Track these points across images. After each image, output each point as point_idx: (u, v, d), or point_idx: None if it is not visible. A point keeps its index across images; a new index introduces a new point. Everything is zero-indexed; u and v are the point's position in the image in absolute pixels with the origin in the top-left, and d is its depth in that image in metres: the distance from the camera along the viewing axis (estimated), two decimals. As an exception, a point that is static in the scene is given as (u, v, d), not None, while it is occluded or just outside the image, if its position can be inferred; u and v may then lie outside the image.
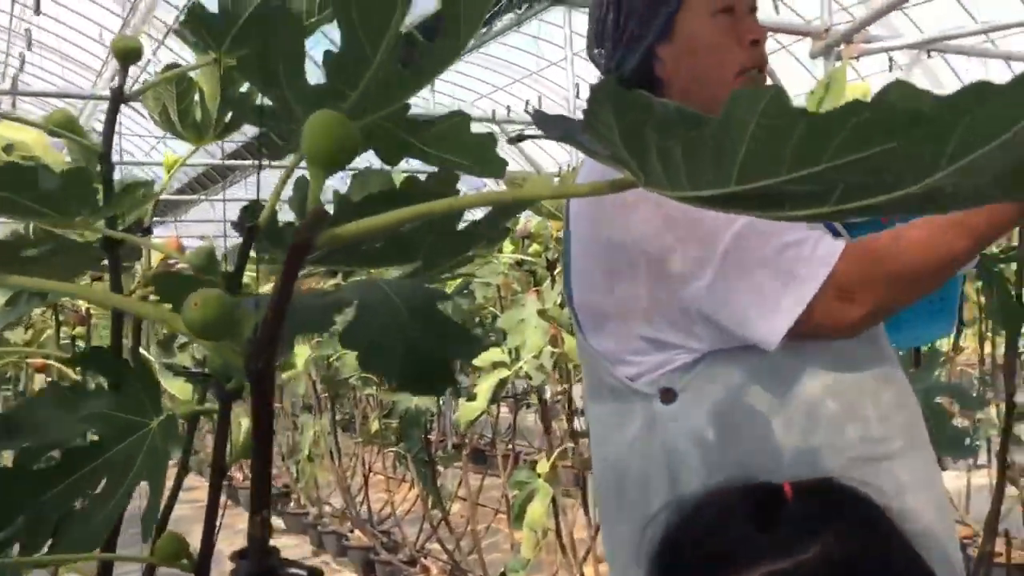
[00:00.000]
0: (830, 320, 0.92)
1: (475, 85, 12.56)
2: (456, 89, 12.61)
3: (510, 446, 4.35)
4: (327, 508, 4.94)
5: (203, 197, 15.07)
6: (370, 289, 0.59)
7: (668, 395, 0.99)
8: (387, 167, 0.72)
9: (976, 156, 0.42)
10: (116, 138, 0.73)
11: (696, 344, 0.98)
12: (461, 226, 0.67)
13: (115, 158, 0.72)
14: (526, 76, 10.37)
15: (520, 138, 1.22)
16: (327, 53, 0.54)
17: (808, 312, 0.91)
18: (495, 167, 0.70)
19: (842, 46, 3.39)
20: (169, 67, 0.86)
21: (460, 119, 0.68)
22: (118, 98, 0.74)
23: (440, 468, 3.75)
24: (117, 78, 0.75)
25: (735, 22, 1.05)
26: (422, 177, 0.64)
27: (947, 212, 0.52)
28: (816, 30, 3.31)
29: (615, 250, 1.01)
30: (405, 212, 0.47)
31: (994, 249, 2.91)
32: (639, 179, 0.44)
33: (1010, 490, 3.73)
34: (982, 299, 1.96)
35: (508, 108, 5.47)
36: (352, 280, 0.72)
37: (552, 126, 0.44)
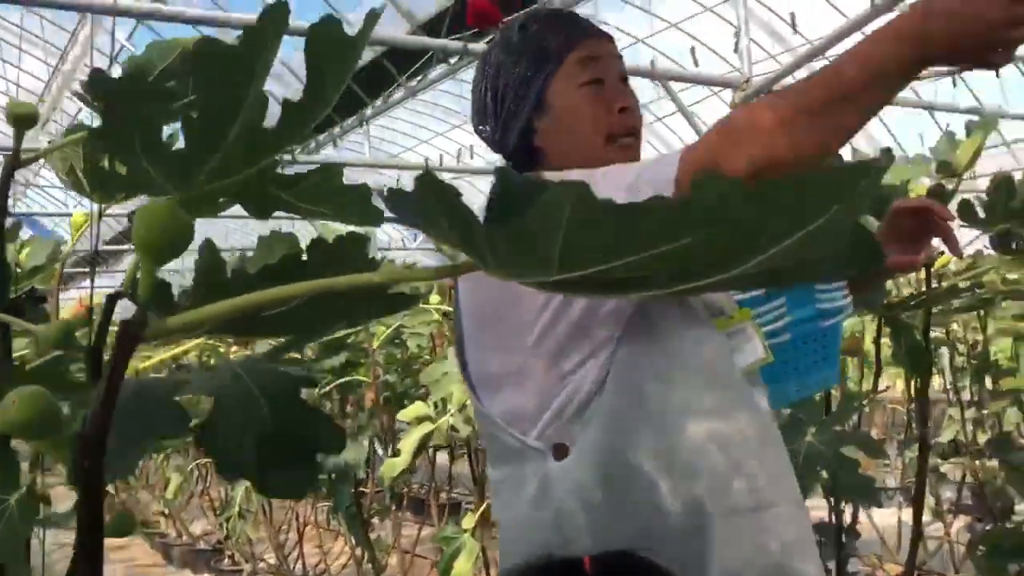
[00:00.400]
0: (723, 158, 0.87)
1: (414, 131, 12.64)
2: (395, 135, 12.68)
3: (450, 495, 4.30)
4: (261, 564, 4.81)
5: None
6: (226, 381, 0.57)
7: (560, 451, 1.00)
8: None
9: (793, 241, 0.43)
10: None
11: (583, 395, 0.99)
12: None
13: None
14: (465, 122, 10.48)
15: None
16: (185, 118, 0.53)
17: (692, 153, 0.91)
18: (371, 217, 0.71)
19: (762, 96, 3.50)
20: (73, 128, 0.85)
21: (332, 172, 0.68)
22: (13, 162, 0.73)
23: (376, 520, 3.68)
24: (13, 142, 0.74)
25: (603, 91, 1.11)
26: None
27: (791, 285, 0.54)
28: (736, 81, 3.42)
29: (498, 317, 1.03)
30: (252, 297, 0.46)
31: (904, 292, 2.99)
32: (479, 265, 0.44)
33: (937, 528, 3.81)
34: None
35: (441, 156, 5.50)
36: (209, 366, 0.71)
37: (402, 210, 0.45)
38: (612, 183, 0.94)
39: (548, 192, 0.37)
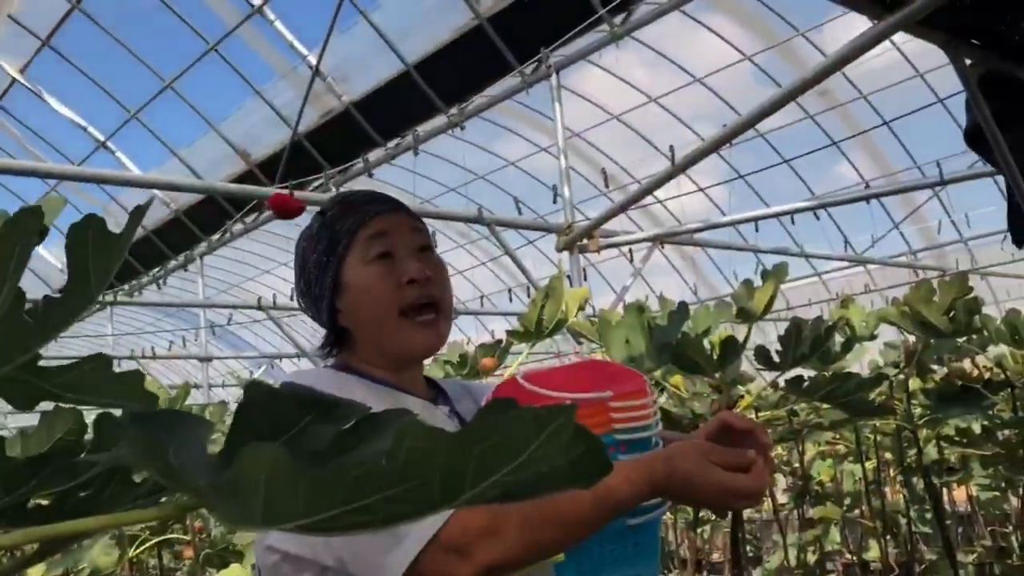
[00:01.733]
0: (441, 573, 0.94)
1: (243, 269, 12.52)
2: (223, 274, 12.51)
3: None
4: None
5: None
6: None
7: None
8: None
9: (506, 472, 0.46)
10: None
11: None
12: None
13: None
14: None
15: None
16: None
17: (417, 566, 0.93)
18: (144, 402, 0.70)
19: (584, 241, 3.70)
20: None
21: (97, 362, 0.67)
22: None
23: None
24: None
25: (392, 265, 1.13)
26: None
27: (523, 500, 0.57)
28: (559, 227, 3.61)
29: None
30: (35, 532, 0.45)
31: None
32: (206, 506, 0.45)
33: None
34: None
35: (274, 295, 5.49)
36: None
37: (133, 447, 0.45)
38: None
39: (248, 453, 0.39)
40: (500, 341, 2.23)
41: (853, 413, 2.27)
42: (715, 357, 1.89)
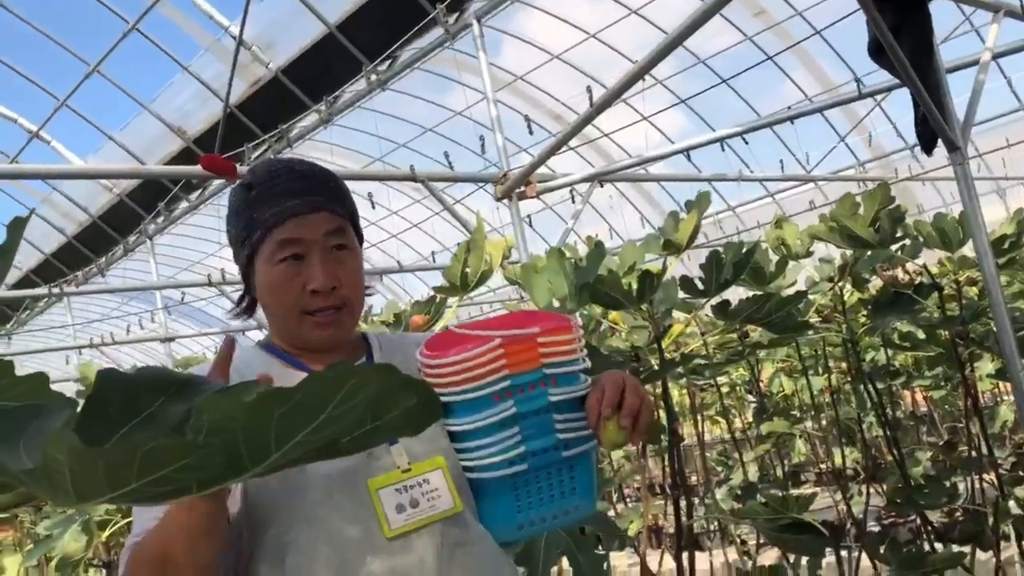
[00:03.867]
0: None
1: (199, 245, 12.49)
2: (180, 251, 12.46)
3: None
4: None
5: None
6: None
7: None
8: None
9: (309, 431, 0.51)
10: None
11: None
12: None
13: None
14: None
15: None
16: None
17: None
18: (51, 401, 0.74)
19: (522, 188, 3.73)
20: None
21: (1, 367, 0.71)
22: None
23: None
24: None
25: (300, 269, 1.14)
26: None
27: (351, 454, 0.62)
28: (495, 176, 3.63)
29: None
30: None
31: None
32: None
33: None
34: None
35: (223, 271, 5.48)
36: None
37: None
38: None
39: (50, 441, 0.43)
40: (434, 298, 2.27)
41: (777, 331, 2.35)
42: (634, 291, 1.95)
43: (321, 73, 5.97)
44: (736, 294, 2.72)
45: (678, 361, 2.24)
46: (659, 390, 2.20)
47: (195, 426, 0.47)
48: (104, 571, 3.25)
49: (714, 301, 2.32)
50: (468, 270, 1.96)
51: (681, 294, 2.35)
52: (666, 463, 2.90)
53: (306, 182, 1.18)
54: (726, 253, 2.28)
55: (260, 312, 1.22)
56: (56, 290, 5.64)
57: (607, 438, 1.09)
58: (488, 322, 1.17)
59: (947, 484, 2.18)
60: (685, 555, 2.11)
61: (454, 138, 10.76)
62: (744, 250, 2.25)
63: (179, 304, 8.39)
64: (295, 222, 1.14)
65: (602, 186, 4.14)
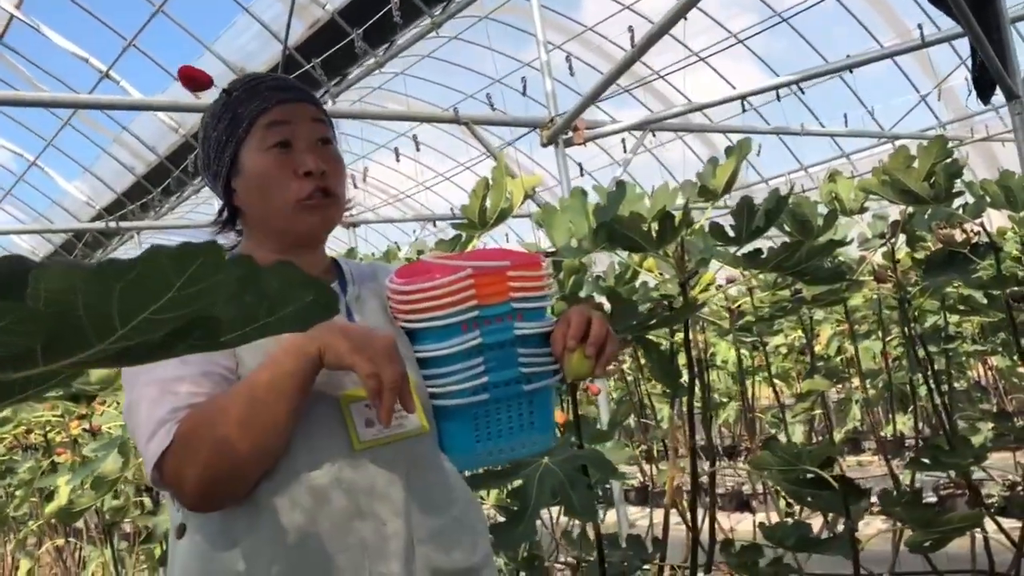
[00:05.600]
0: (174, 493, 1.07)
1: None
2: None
3: None
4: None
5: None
6: None
7: (180, 531, 1.11)
8: None
9: (155, 309, 0.50)
10: None
11: None
12: None
13: None
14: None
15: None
16: None
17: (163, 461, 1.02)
18: None
19: (569, 133, 3.66)
20: None
21: None
22: None
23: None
24: None
25: (290, 155, 1.15)
26: None
27: (144, 363, 0.60)
28: (541, 120, 3.57)
29: None
30: None
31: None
32: None
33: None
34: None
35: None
36: None
37: None
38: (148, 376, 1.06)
39: None
40: (459, 236, 2.26)
41: (811, 282, 2.27)
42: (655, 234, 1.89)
43: (378, 16, 5.93)
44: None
45: (701, 304, 2.18)
46: (680, 336, 2.15)
47: (32, 293, 0.46)
48: (148, 493, 3.36)
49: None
50: (487, 206, 1.94)
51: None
52: (683, 423, 2.84)
53: (288, 82, 1.22)
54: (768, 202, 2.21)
55: None
56: (128, 224, 5.81)
57: (571, 368, 1.11)
58: (461, 255, 1.19)
59: (976, 446, 2.09)
60: (703, 514, 2.08)
61: (519, 89, 10.65)
62: (777, 198, 2.17)
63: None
64: (282, 108, 1.16)
65: (654, 135, 4.04)
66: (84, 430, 4.00)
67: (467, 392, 1.13)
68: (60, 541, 4.72)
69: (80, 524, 4.31)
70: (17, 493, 3.96)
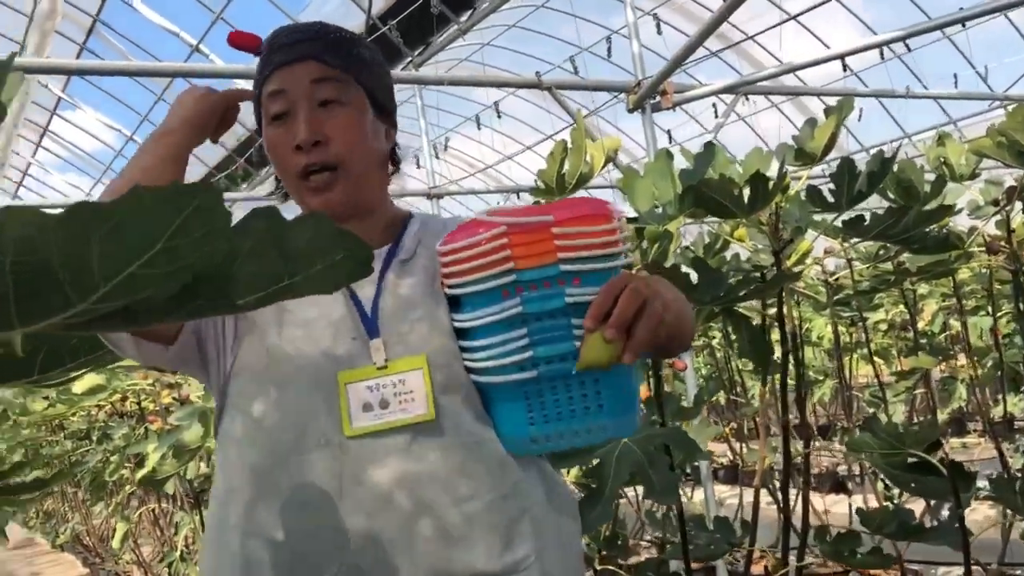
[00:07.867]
0: None
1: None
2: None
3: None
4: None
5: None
6: None
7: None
8: None
9: (135, 268, 0.42)
10: None
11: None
12: None
13: None
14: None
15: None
16: None
17: None
18: None
19: (657, 98, 3.52)
20: None
21: None
22: None
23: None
24: None
25: (288, 127, 1.05)
26: None
27: (147, 325, 0.53)
28: (628, 85, 3.43)
29: None
30: None
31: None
32: None
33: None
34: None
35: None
36: None
37: None
38: None
39: None
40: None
41: (917, 251, 2.10)
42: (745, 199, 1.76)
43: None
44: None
45: (796, 275, 2.04)
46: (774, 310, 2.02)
47: (1, 247, 0.39)
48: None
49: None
50: (566, 171, 1.83)
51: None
52: (775, 400, 2.70)
53: (299, 35, 1.08)
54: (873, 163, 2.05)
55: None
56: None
57: (583, 354, 0.88)
58: (514, 210, 0.99)
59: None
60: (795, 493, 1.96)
61: (614, 61, 10.45)
62: (881, 159, 2.00)
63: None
64: (279, 74, 1.06)
65: (748, 99, 3.84)
66: (174, 399, 4.10)
67: (511, 368, 0.98)
68: (154, 506, 4.88)
69: (173, 490, 4.42)
70: (112, 459, 4.08)
